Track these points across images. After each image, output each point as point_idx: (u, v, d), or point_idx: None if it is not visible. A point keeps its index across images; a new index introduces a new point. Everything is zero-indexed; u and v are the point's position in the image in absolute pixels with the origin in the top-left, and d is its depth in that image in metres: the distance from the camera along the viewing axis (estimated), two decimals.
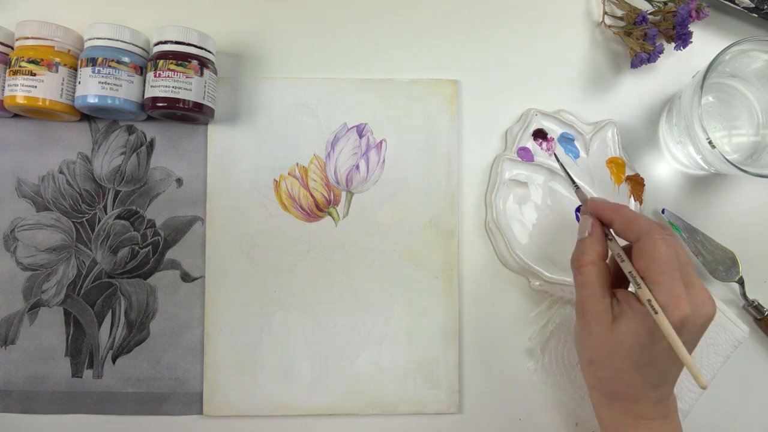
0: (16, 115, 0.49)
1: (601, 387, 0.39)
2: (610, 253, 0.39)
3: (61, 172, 0.49)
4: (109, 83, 0.44)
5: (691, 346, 0.36)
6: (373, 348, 0.48)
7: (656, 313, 0.34)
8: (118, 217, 0.48)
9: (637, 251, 0.36)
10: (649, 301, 0.34)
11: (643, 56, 0.48)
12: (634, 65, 0.49)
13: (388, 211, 0.49)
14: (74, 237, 0.48)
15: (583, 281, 0.38)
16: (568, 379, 0.47)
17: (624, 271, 0.37)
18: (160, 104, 0.45)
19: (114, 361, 0.47)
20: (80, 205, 0.48)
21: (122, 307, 0.48)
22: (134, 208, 0.49)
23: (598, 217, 0.40)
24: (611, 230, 0.40)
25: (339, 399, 0.48)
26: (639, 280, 0.36)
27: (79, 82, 0.45)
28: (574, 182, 0.44)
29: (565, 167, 0.46)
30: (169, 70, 0.44)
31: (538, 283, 0.48)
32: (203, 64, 0.46)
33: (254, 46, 0.51)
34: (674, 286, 0.34)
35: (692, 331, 0.35)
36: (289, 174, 0.49)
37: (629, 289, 0.39)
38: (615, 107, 0.51)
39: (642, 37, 0.49)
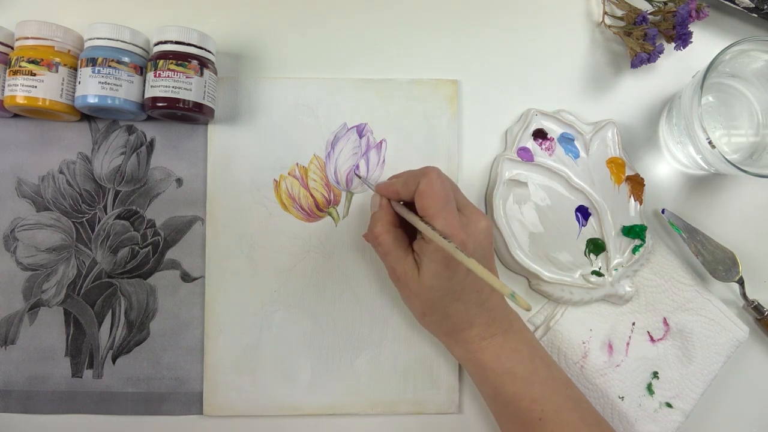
0: (16, 115, 0.49)
1: (440, 330, 0.42)
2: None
3: (61, 172, 0.49)
4: (109, 83, 0.44)
5: (487, 260, 0.41)
6: (373, 348, 0.48)
7: (449, 243, 0.36)
8: (118, 217, 0.48)
9: (418, 194, 0.39)
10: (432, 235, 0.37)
11: (643, 56, 0.49)
12: (634, 65, 0.49)
13: None
14: (74, 237, 0.48)
15: (384, 250, 0.41)
16: (569, 377, 0.47)
17: (414, 225, 0.40)
18: (160, 104, 0.45)
19: (114, 361, 0.47)
20: (80, 205, 0.48)
21: (122, 307, 0.48)
22: (134, 208, 0.49)
23: (387, 196, 0.43)
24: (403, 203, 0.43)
25: (339, 399, 0.48)
26: (421, 224, 0.39)
27: (79, 82, 0.45)
28: (370, 186, 0.47)
29: (365, 180, 0.49)
30: (169, 70, 0.44)
31: (538, 283, 0.48)
32: (203, 64, 0.46)
33: (254, 46, 0.51)
34: (449, 217, 0.38)
35: (476, 247, 0.40)
36: (289, 174, 0.49)
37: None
38: (615, 107, 0.51)
39: (642, 37, 0.49)
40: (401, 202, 0.43)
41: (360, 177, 0.49)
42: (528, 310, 0.34)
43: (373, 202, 0.44)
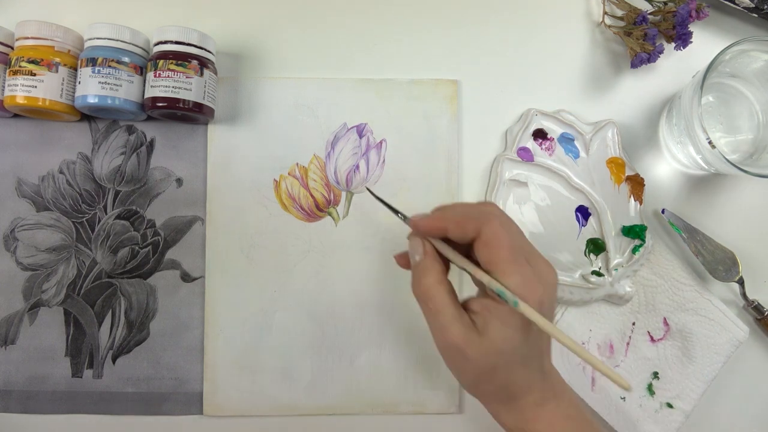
0: (16, 115, 0.49)
1: (496, 398, 0.37)
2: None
3: (61, 172, 0.49)
4: (109, 83, 0.44)
5: (550, 317, 0.35)
6: (373, 348, 0.48)
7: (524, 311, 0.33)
8: (118, 217, 0.48)
9: (481, 245, 0.34)
10: (509, 298, 0.33)
11: (643, 56, 0.49)
12: (634, 65, 0.49)
13: (388, 211, 0.49)
14: (74, 237, 0.48)
15: (436, 308, 0.35)
16: (568, 378, 0.47)
17: (475, 278, 0.35)
18: (160, 104, 0.45)
19: (114, 361, 0.47)
20: (80, 205, 0.48)
21: (122, 307, 0.48)
22: (134, 208, 0.49)
23: (428, 234, 0.37)
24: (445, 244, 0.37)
25: (339, 399, 0.48)
26: (496, 284, 0.34)
27: (79, 82, 0.45)
28: (398, 213, 0.40)
29: (385, 201, 0.41)
30: (169, 70, 0.44)
31: None
32: (203, 64, 0.46)
33: (254, 46, 0.51)
34: (524, 271, 0.34)
35: (549, 304, 0.35)
36: (289, 174, 0.49)
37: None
38: (615, 107, 0.51)
39: (642, 37, 0.49)
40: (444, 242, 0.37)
41: (375, 196, 0.42)
42: (628, 389, 0.31)
43: (414, 245, 0.37)
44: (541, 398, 0.36)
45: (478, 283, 0.38)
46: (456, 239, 0.36)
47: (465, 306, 0.36)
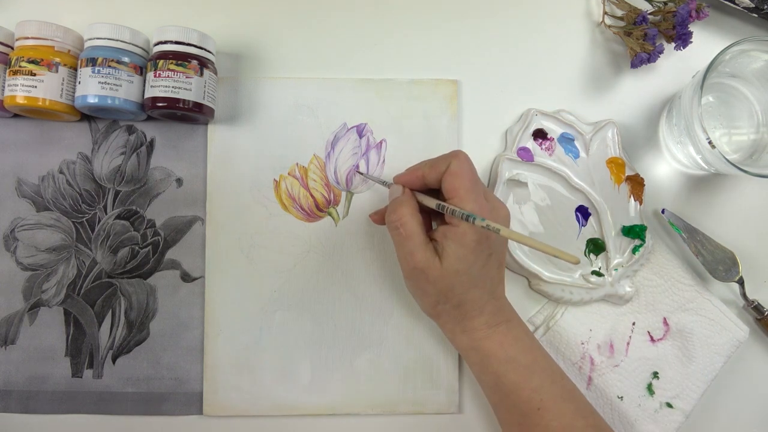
0: (16, 115, 0.49)
1: (451, 317, 0.42)
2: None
3: (61, 172, 0.49)
4: (109, 83, 0.44)
5: (501, 252, 0.42)
6: (373, 348, 0.48)
7: (488, 227, 0.37)
8: (118, 217, 0.48)
9: (448, 174, 0.40)
10: (468, 217, 0.38)
11: (643, 56, 0.48)
12: (634, 65, 0.49)
13: None
14: (74, 237, 0.48)
15: (406, 234, 0.40)
16: (562, 368, 0.47)
17: (435, 210, 0.40)
18: (160, 104, 0.45)
19: (114, 361, 0.47)
20: (80, 205, 0.48)
21: (122, 307, 0.48)
22: (134, 208, 0.49)
23: (410, 183, 0.42)
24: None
25: (339, 399, 0.48)
26: (451, 207, 0.39)
27: (79, 82, 0.45)
28: (384, 183, 0.46)
29: (371, 176, 0.48)
30: (169, 70, 0.44)
31: (538, 283, 0.48)
32: (203, 64, 0.46)
33: (254, 46, 0.51)
34: (480, 200, 0.39)
35: (497, 237, 0.40)
36: (289, 174, 0.49)
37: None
38: (615, 107, 0.51)
39: (642, 37, 0.49)
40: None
41: (362, 173, 0.49)
42: (577, 262, 0.35)
43: (395, 188, 0.43)
44: (493, 320, 0.41)
45: (435, 217, 0.44)
46: (432, 181, 0.41)
47: (430, 237, 0.41)
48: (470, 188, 0.39)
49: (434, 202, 0.40)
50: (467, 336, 0.42)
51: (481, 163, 0.50)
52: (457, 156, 0.40)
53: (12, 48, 0.46)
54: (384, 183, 0.45)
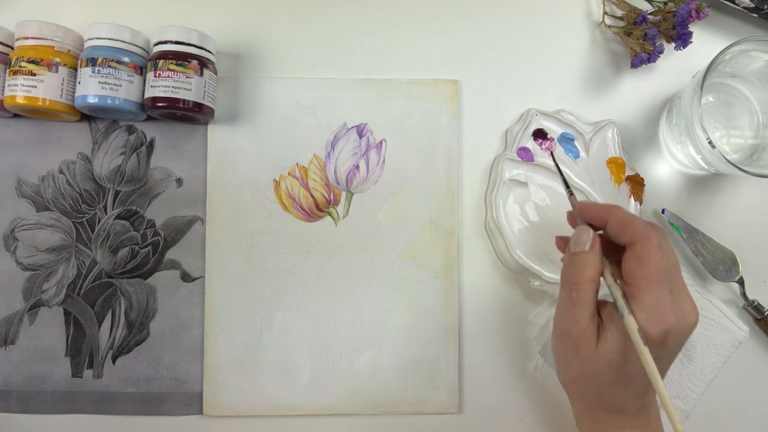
0: (16, 115, 0.49)
1: (585, 401, 0.38)
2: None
3: (61, 172, 0.49)
4: (109, 83, 0.44)
5: (671, 357, 0.36)
6: (373, 348, 0.48)
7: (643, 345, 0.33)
8: (118, 217, 0.48)
9: (631, 255, 0.35)
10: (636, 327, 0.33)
11: (643, 56, 0.48)
12: (634, 65, 0.49)
13: (388, 211, 0.49)
14: (74, 237, 0.48)
15: (579, 300, 0.35)
16: None
17: (611, 291, 0.35)
18: (160, 104, 0.45)
19: (114, 361, 0.47)
20: (80, 205, 0.48)
21: (122, 307, 0.48)
22: (134, 208, 0.49)
23: (590, 220, 0.38)
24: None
25: (339, 399, 0.48)
26: (624, 305, 0.34)
27: (79, 82, 0.45)
28: (568, 186, 0.42)
29: (562, 171, 0.44)
30: (169, 70, 0.44)
31: (538, 283, 0.48)
32: (203, 64, 0.46)
33: (254, 46, 0.51)
34: (662, 296, 0.33)
35: (674, 342, 0.34)
36: (289, 174, 0.49)
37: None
38: (615, 107, 0.51)
39: (642, 37, 0.49)
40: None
41: (558, 168, 0.43)
42: None
43: (581, 235, 0.37)
44: (629, 423, 0.37)
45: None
46: (609, 235, 0.36)
47: (597, 305, 0.36)
48: (654, 281, 0.33)
49: (618, 291, 0.35)
50: (593, 426, 0.38)
51: (481, 163, 0.50)
52: (647, 236, 0.34)
53: (12, 48, 0.46)
54: (568, 189, 0.41)
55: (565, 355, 0.37)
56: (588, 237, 0.37)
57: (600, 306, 0.37)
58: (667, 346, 0.34)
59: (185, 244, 0.48)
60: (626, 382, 0.35)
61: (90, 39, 0.45)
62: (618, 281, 0.36)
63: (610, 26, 0.51)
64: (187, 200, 0.49)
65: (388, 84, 0.50)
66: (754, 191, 0.51)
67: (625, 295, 0.35)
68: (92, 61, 0.44)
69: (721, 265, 0.49)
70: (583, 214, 0.38)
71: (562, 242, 0.40)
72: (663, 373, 0.36)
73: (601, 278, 0.36)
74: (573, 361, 0.36)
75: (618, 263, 0.36)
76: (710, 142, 0.42)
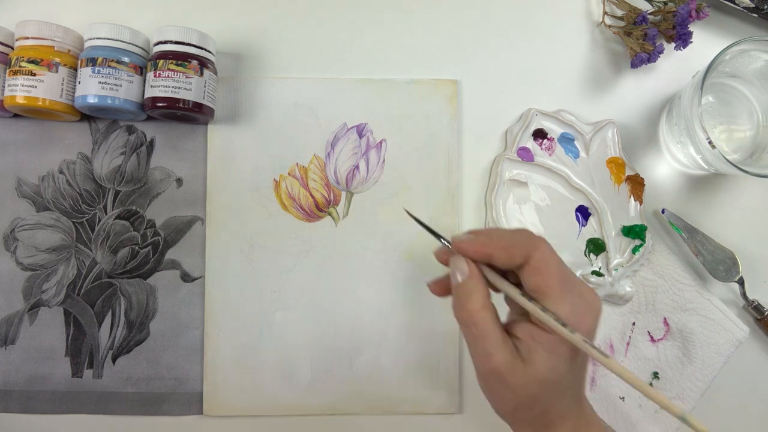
0: (16, 115, 0.49)
1: (531, 425, 0.36)
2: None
3: (61, 172, 0.49)
4: (109, 83, 0.44)
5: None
6: (373, 348, 0.48)
7: (596, 351, 0.32)
8: (118, 217, 0.48)
9: (529, 270, 0.33)
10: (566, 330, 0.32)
11: (643, 56, 0.48)
12: (634, 65, 0.49)
13: (388, 211, 0.49)
14: (74, 237, 0.48)
15: (480, 333, 0.33)
16: None
17: (523, 306, 0.34)
18: (160, 104, 0.45)
19: (114, 361, 0.47)
20: (80, 205, 0.48)
21: (122, 307, 0.48)
22: (134, 208, 0.49)
23: (472, 257, 0.35)
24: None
25: (339, 399, 0.48)
26: (545, 316, 0.33)
27: (79, 82, 0.45)
28: (439, 237, 0.38)
29: (426, 224, 0.39)
30: (169, 70, 0.44)
31: None
32: (203, 64, 0.46)
33: (254, 46, 0.51)
34: (574, 301, 0.33)
35: (595, 334, 0.34)
36: (289, 174, 0.49)
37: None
38: (615, 107, 0.51)
39: (642, 37, 0.49)
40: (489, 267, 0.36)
41: (413, 216, 0.40)
42: None
43: (458, 265, 0.35)
44: (574, 427, 0.35)
45: (512, 304, 0.37)
46: (500, 265, 0.34)
47: (507, 330, 0.35)
48: (562, 288, 0.33)
49: (524, 299, 0.34)
50: None
51: (481, 163, 0.50)
52: (537, 247, 0.33)
53: (12, 48, 0.46)
54: (439, 238, 0.38)
55: (496, 391, 0.35)
56: (463, 266, 0.35)
57: (511, 328, 0.35)
58: (592, 340, 0.33)
59: (185, 244, 0.48)
60: (564, 393, 0.34)
61: (90, 39, 0.45)
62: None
63: (610, 26, 0.51)
64: (187, 200, 0.49)
65: (388, 84, 0.50)
66: (754, 191, 0.51)
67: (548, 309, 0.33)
68: (92, 61, 0.44)
69: (721, 265, 0.49)
70: (460, 251, 0.35)
71: (437, 287, 0.38)
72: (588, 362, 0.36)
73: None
74: (507, 394, 0.34)
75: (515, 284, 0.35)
76: (710, 142, 0.42)
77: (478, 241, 0.35)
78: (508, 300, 0.37)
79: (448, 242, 0.37)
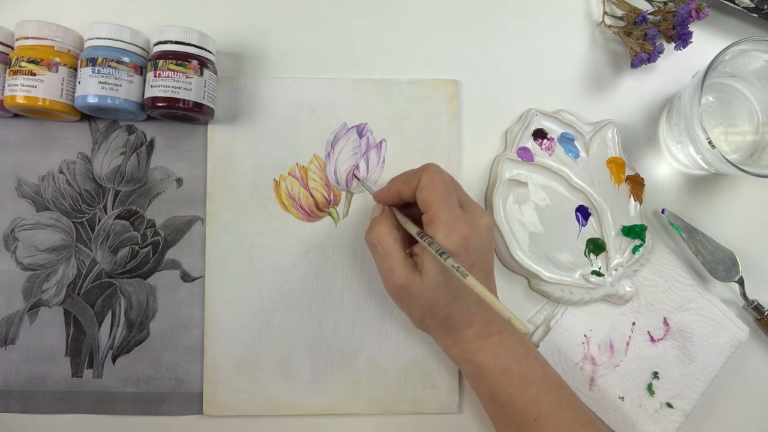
0: (16, 115, 0.49)
1: (441, 329, 0.42)
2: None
3: (61, 172, 0.49)
4: (109, 83, 0.44)
5: (488, 257, 0.42)
6: (373, 348, 0.48)
7: (444, 258, 0.37)
8: (118, 217, 0.48)
9: (419, 189, 0.40)
10: (430, 243, 0.38)
11: (643, 56, 0.48)
12: (634, 65, 0.49)
13: None
14: (74, 237, 0.48)
15: (385, 251, 0.40)
16: (566, 377, 0.47)
17: (407, 227, 0.41)
18: (160, 104, 0.45)
19: (114, 361, 0.47)
20: (80, 205, 0.48)
21: (122, 307, 0.48)
22: (134, 208, 0.49)
23: (389, 201, 0.43)
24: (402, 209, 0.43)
25: (339, 399, 0.48)
26: (415, 229, 0.40)
27: (79, 82, 0.45)
28: (371, 192, 0.45)
29: (365, 183, 0.48)
30: (169, 70, 0.44)
31: (538, 283, 0.48)
32: (203, 64, 0.46)
33: (254, 46, 0.51)
34: (453, 210, 0.39)
35: (478, 245, 0.40)
36: (289, 174, 0.49)
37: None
38: (615, 107, 0.51)
39: (642, 37, 0.49)
40: (400, 211, 0.43)
41: (359, 179, 0.49)
42: (527, 333, 0.33)
43: (375, 207, 0.44)
44: (484, 331, 0.41)
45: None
46: (408, 197, 0.41)
47: (410, 252, 0.41)
48: (443, 200, 0.39)
49: (414, 229, 0.40)
50: (459, 348, 0.42)
51: (481, 163, 0.50)
52: (426, 169, 0.40)
53: (12, 48, 0.46)
54: (371, 192, 0.46)
55: (404, 303, 0.41)
56: (379, 206, 0.43)
57: (412, 251, 0.41)
58: (474, 251, 0.39)
59: (185, 244, 0.48)
60: (459, 295, 0.40)
61: (90, 39, 0.45)
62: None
63: (610, 26, 0.51)
64: (187, 200, 0.49)
65: (388, 84, 0.50)
66: (754, 191, 0.51)
67: (421, 225, 0.40)
68: (92, 61, 0.44)
69: (721, 265, 0.49)
70: (378, 199, 0.44)
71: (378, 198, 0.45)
72: (489, 277, 0.42)
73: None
74: (414, 304, 0.40)
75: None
76: (710, 142, 0.42)
77: (386, 187, 0.43)
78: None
79: (371, 190, 0.46)
